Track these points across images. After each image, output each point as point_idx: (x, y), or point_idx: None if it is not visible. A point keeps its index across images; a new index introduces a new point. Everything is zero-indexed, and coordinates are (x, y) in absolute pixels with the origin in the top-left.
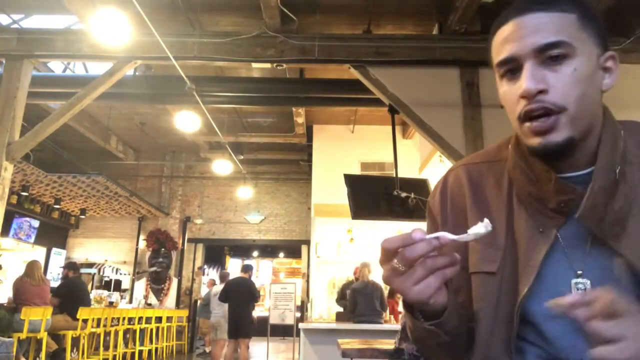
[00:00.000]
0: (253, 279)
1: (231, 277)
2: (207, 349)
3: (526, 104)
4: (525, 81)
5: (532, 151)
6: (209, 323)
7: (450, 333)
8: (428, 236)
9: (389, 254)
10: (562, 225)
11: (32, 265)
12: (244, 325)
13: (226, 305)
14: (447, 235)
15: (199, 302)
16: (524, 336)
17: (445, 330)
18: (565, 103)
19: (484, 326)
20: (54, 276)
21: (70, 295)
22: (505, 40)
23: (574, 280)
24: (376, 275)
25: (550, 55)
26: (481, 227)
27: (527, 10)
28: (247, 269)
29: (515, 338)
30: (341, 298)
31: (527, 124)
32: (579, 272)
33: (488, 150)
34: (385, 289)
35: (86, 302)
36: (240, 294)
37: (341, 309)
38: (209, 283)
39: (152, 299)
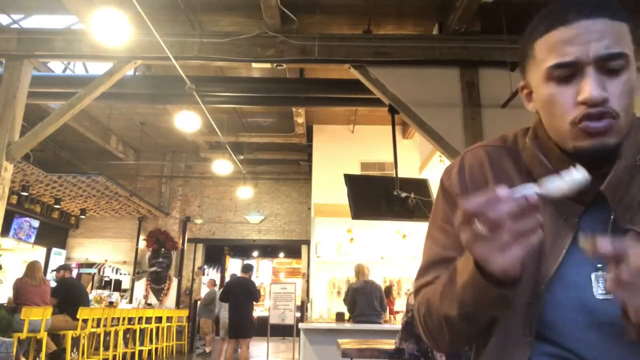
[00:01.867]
0: (253, 278)
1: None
2: (208, 349)
3: (586, 109)
4: (592, 89)
5: (580, 152)
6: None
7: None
8: (516, 192)
9: (469, 214)
10: (581, 215)
11: (32, 266)
12: (244, 325)
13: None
14: (535, 191)
15: (199, 302)
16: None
17: (515, 299)
18: (620, 111)
19: None
20: (52, 276)
21: (68, 295)
22: (566, 43)
23: (594, 274)
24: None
25: (611, 64)
26: (576, 173)
27: (592, 14)
28: (247, 269)
29: (535, 321)
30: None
31: (583, 124)
32: (599, 265)
33: (505, 137)
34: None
35: (85, 302)
36: (241, 294)
37: (343, 310)
38: (209, 283)
39: (152, 299)
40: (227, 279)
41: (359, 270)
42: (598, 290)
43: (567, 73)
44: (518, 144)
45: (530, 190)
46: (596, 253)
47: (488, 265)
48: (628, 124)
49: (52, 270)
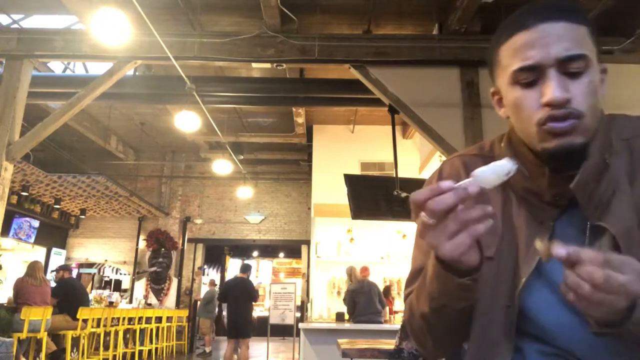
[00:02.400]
0: (253, 279)
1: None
2: (207, 349)
3: (550, 110)
4: (554, 90)
5: (546, 154)
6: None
7: (477, 294)
8: (457, 185)
9: (418, 206)
10: (557, 218)
11: (33, 266)
12: (243, 325)
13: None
14: (475, 183)
15: (198, 302)
16: (522, 329)
17: (477, 289)
18: (584, 111)
19: (482, 309)
20: (52, 276)
21: (68, 295)
22: (527, 47)
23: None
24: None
25: (572, 66)
26: (502, 161)
27: (550, 18)
28: (245, 269)
29: (514, 323)
30: None
31: (548, 126)
32: None
33: (482, 145)
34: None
35: (84, 302)
36: (239, 294)
37: (343, 310)
38: (209, 283)
39: (152, 299)
40: (228, 279)
41: (350, 273)
42: None
43: (531, 76)
44: (494, 150)
45: (468, 181)
46: (550, 257)
47: (437, 252)
48: (594, 123)
49: (52, 271)
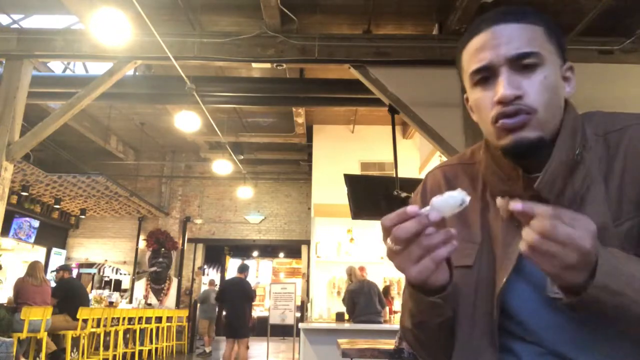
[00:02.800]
0: (253, 279)
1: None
2: (207, 349)
3: (502, 108)
4: (503, 87)
5: (504, 150)
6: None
7: (452, 309)
8: (422, 210)
9: (386, 231)
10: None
11: (34, 266)
12: (241, 325)
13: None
14: (434, 210)
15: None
16: (511, 331)
17: (449, 305)
18: (537, 106)
19: (464, 318)
20: (52, 276)
21: (68, 295)
22: (480, 49)
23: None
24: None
25: (523, 63)
26: (454, 192)
27: (499, 21)
28: (243, 269)
29: (496, 329)
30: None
31: (500, 122)
32: None
33: (463, 153)
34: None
35: (84, 302)
36: (237, 295)
37: (343, 310)
38: (209, 283)
39: (152, 299)
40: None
41: (351, 273)
42: (554, 290)
43: (486, 77)
44: (475, 157)
45: (428, 208)
46: (508, 213)
47: (406, 275)
48: (552, 118)
49: (52, 271)
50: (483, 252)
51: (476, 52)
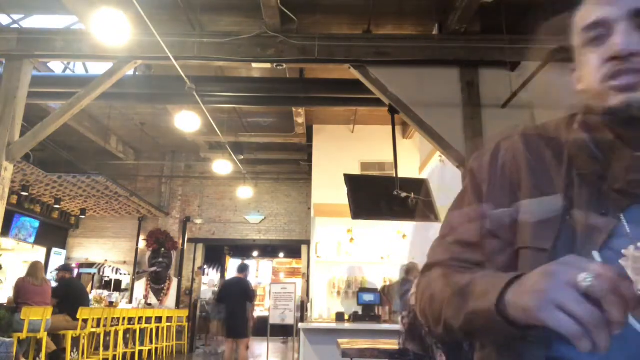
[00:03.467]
0: (253, 279)
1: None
2: (219, 349)
3: (615, 65)
4: (620, 41)
5: (611, 112)
6: None
7: None
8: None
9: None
10: (627, 209)
11: (34, 266)
12: (241, 325)
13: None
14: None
15: (198, 302)
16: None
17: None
18: None
19: None
20: (53, 276)
21: (68, 295)
22: (597, 3)
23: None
24: (374, 275)
25: None
26: None
27: None
28: (242, 269)
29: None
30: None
31: (612, 81)
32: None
33: (545, 125)
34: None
35: (85, 302)
36: (236, 295)
37: (343, 310)
38: (209, 283)
39: (152, 299)
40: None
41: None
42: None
43: (599, 34)
44: (560, 132)
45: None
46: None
47: (531, 307)
48: None
49: (53, 270)
50: (562, 237)
51: (592, 6)
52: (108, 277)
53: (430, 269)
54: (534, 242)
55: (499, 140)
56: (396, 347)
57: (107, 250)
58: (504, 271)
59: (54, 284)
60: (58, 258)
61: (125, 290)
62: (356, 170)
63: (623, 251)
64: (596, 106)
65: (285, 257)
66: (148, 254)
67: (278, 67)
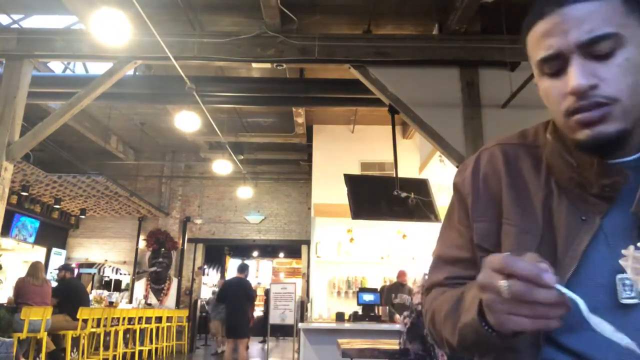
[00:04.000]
0: (253, 279)
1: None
2: (219, 349)
3: (576, 101)
4: (575, 78)
5: (580, 145)
6: None
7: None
8: (561, 288)
9: (503, 272)
10: (606, 213)
11: (35, 266)
12: (241, 325)
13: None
14: (585, 310)
15: (198, 302)
16: (557, 340)
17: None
18: (618, 94)
19: None
20: (53, 276)
21: (68, 295)
22: (546, 35)
23: (619, 276)
24: (374, 275)
25: (598, 48)
26: (623, 338)
27: (569, 1)
28: (243, 269)
29: (541, 332)
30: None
31: (576, 117)
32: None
33: (523, 134)
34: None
35: (85, 302)
36: (237, 294)
37: (343, 310)
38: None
39: (152, 299)
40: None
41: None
42: (623, 295)
43: (555, 66)
44: (538, 139)
45: (581, 302)
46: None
47: (496, 322)
48: (638, 104)
49: (53, 270)
50: (543, 245)
51: (542, 37)
52: (108, 277)
53: (430, 291)
54: (517, 253)
55: (479, 152)
56: (396, 347)
57: (107, 250)
58: None
59: (54, 284)
60: (58, 258)
61: (125, 290)
62: (356, 170)
63: (623, 251)
64: (564, 132)
65: (285, 257)
66: (148, 254)
67: (278, 67)
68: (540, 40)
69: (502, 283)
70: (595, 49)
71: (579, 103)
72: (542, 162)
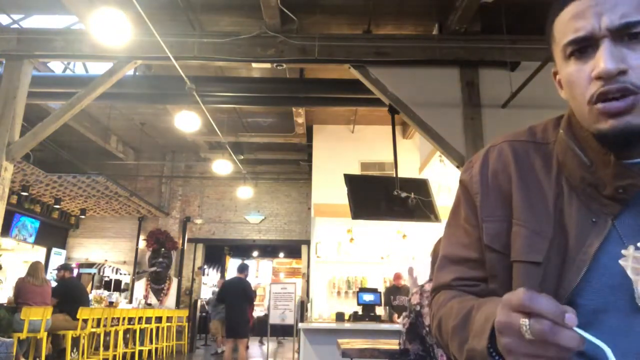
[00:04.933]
0: (253, 279)
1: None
2: (219, 349)
3: (602, 85)
4: (604, 61)
5: (599, 135)
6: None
7: None
8: (582, 333)
9: (522, 310)
10: (618, 215)
11: (35, 266)
12: (241, 325)
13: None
14: (610, 356)
15: (198, 302)
16: None
17: None
18: None
19: None
20: (53, 275)
21: (69, 295)
22: (578, 17)
23: (633, 277)
24: (374, 275)
25: (631, 33)
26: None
27: None
28: (242, 269)
29: None
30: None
31: (600, 105)
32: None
33: (533, 130)
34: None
35: (84, 302)
36: (236, 295)
37: (343, 310)
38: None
39: (152, 299)
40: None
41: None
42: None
43: (583, 49)
44: (548, 136)
45: (608, 350)
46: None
47: (508, 355)
48: None
49: (53, 270)
50: (554, 248)
51: (572, 20)
52: (108, 277)
53: (438, 292)
54: (526, 255)
55: (488, 148)
56: (396, 347)
57: (107, 250)
58: (508, 285)
59: (54, 284)
60: (58, 258)
61: (125, 290)
62: (356, 170)
63: (622, 251)
64: (583, 122)
65: (285, 257)
66: (148, 254)
67: (278, 67)
68: (570, 22)
69: (524, 322)
70: (626, 35)
71: (606, 87)
72: (553, 160)
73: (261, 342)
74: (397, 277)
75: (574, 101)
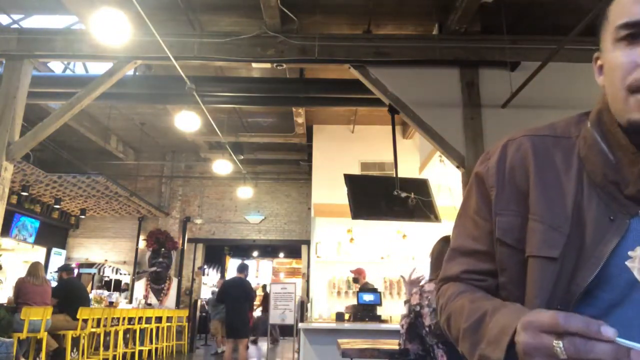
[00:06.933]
0: (253, 279)
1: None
2: (219, 349)
3: None
4: None
5: (632, 126)
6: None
7: None
8: (621, 340)
9: (554, 331)
10: (636, 215)
11: (35, 266)
12: (241, 325)
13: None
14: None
15: (198, 302)
16: None
17: None
18: None
19: None
20: (53, 276)
21: (69, 295)
22: (638, 1)
23: None
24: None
25: None
26: None
27: None
28: (242, 269)
29: None
30: None
31: (639, 95)
32: None
33: (552, 125)
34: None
35: (85, 302)
36: (236, 295)
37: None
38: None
39: (152, 299)
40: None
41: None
42: None
43: (636, 35)
44: (570, 131)
45: (632, 344)
46: None
47: None
48: None
49: (53, 270)
50: (570, 244)
51: (632, 3)
52: (108, 277)
53: (447, 283)
54: (542, 250)
55: (506, 142)
56: (396, 347)
57: (107, 250)
58: (518, 280)
59: (54, 284)
60: (58, 258)
61: (125, 290)
62: (356, 170)
63: (629, 252)
64: (616, 111)
65: (285, 257)
66: (148, 254)
67: (278, 67)
68: (630, 5)
69: (557, 343)
70: None
71: None
72: (574, 155)
73: (255, 343)
74: (359, 272)
75: (611, 87)
